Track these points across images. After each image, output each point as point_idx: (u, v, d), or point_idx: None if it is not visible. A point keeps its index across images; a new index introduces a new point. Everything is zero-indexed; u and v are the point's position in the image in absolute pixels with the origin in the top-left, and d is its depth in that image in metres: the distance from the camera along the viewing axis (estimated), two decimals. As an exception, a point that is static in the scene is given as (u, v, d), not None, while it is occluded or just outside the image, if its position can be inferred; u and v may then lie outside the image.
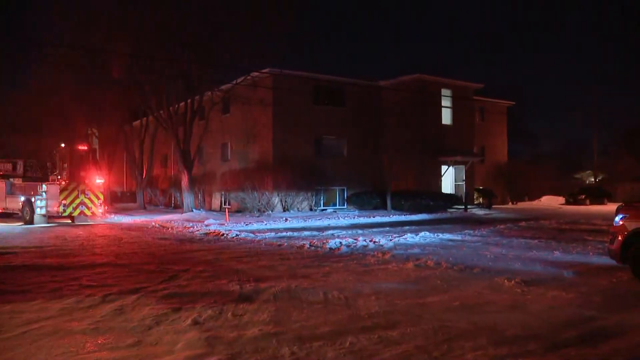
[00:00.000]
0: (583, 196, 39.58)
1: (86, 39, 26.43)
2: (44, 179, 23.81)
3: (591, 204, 38.52)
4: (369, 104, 33.04)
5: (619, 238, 8.97)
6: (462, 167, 34.42)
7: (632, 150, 50.21)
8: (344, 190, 32.54)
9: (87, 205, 22.64)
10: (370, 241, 14.16)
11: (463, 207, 31.03)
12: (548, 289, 8.12)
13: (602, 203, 39.05)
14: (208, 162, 35.31)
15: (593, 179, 49.27)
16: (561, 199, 40.48)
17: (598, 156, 51.70)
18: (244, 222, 22.47)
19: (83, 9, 26.97)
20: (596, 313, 6.73)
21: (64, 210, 22.16)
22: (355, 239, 14.42)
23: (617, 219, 9.21)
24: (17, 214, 23.70)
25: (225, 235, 17.07)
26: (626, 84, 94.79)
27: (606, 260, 10.10)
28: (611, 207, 28.54)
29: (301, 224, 22.51)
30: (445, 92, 33.33)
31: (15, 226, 21.39)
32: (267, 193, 27.88)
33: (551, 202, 39.90)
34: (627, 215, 9.00)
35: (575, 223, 21.59)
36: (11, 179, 24.52)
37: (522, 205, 38.56)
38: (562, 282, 8.79)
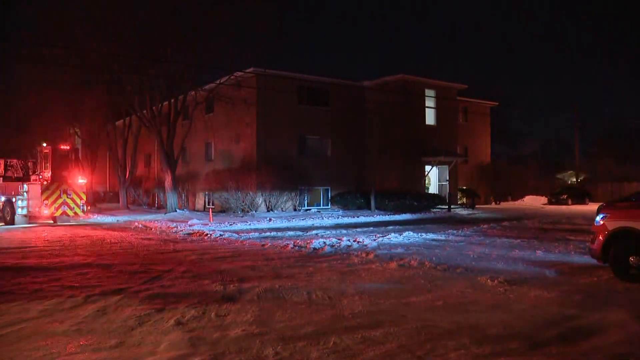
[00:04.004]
0: (565, 196, 39.92)
1: (67, 37, 26.15)
2: (26, 178, 23.54)
3: (573, 203, 38.88)
4: (352, 104, 33.10)
5: (600, 238, 9.07)
6: (446, 167, 34.62)
7: (610, 151, 50.81)
8: (327, 190, 32.56)
9: (69, 206, 22.42)
10: (354, 241, 14.17)
11: (446, 207, 31.21)
12: (530, 288, 8.19)
13: (583, 203, 39.45)
14: (192, 162, 35.15)
15: (575, 179, 49.74)
16: (544, 199, 40.83)
17: (580, 156, 52.23)
18: (228, 222, 22.40)
19: (64, 6, 26.67)
20: (577, 312, 6.80)
21: (46, 211, 21.92)
22: (339, 239, 14.42)
23: (598, 218, 9.30)
24: (-2, 214, 23.42)
25: (208, 235, 17.00)
26: (606, 84, 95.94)
27: (587, 260, 10.20)
28: (592, 206, 28.88)
29: (285, 224, 22.49)
30: (429, 92, 33.48)
31: (-4, 226, 21.15)
32: (250, 193, 27.82)
33: (534, 202, 40.26)
34: (608, 215, 9.10)
35: (558, 223, 21.79)
36: None
37: (505, 205, 38.86)
38: (544, 281, 8.87)
